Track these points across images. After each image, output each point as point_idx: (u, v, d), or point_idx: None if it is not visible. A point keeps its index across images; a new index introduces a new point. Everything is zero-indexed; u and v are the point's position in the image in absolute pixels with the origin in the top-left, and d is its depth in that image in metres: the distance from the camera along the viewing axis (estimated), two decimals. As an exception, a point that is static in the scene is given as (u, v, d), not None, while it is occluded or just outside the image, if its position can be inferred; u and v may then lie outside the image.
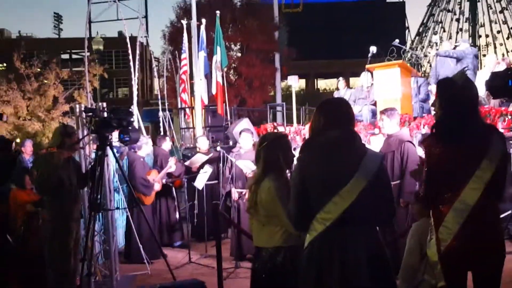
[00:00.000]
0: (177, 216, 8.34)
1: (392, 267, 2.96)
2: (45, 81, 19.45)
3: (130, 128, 5.80)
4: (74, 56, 42.59)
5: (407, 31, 36.53)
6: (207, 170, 7.67)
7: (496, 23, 31.02)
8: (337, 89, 11.49)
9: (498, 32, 30.65)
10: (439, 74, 9.59)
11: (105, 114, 5.79)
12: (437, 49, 10.23)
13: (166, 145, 8.66)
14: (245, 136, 7.52)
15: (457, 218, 2.91)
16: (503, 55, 24.40)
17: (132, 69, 10.34)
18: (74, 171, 5.41)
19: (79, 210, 5.52)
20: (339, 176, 2.86)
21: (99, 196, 5.37)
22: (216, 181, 8.34)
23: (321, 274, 2.85)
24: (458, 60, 9.58)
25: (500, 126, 7.71)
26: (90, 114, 5.64)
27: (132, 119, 5.99)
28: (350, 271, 2.79)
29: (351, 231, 2.85)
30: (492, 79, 4.48)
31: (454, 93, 3.07)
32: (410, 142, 5.97)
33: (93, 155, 6.10)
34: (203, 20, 12.34)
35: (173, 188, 8.24)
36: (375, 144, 6.45)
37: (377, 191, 2.87)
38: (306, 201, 2.94)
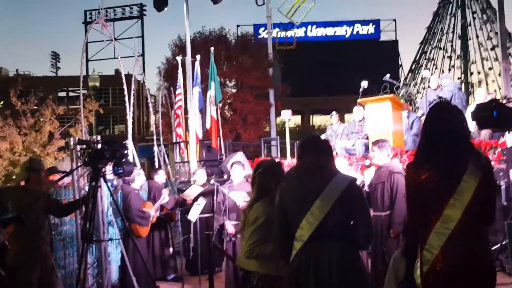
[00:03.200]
0: (171, 249, 8.32)
1: (368, 283, 3.11)
2: (41, 118, 19.57)
3: (124, 160, 5.86)
4: (71, 94, 42.91)
5: (400, 68, 37.08)
6: (201, 202, 7.70)
7: (487, 60, 31.48)
8: (331, 124, 11.61)
9: (490, 69, 31.07)
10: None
11: (99, 146, 5.86)
12: (428, 86, 10.42)
13: (160, 178, 8.69)
14: (236, 168, 7.58)
15: (438, 241, 2.92)
16: (494, 90, 24.71)
17: (127, 104, 10.46)
18: (44, 205, 5.37)
19: (46, 242, 5.47)
20: (309, 196, 3.11)
21: (91, 228, 5.39)
22: (211, 214, 8.35)
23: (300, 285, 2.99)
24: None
25: (490, 158, 7.81)
26: (84, 146, 5.70)
27: (126, 152, 6.06)
28: (324, 284, 2.92)
29: (326, 245, 3.05)
30: (477, 110, 4.61)
31: (432, 119, 3.15)
32: (400, 173, 6.05)
33: (87, 188, 6.15)
34: (198, 56, 12.56)
35: (167, 222, 8.24)
36: (368, 176, 6.52)
37: (348, 211, 3.11)
38: (287, 225, 3.19)
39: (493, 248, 6.63)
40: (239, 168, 7.59)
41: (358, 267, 3.08)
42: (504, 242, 6.26)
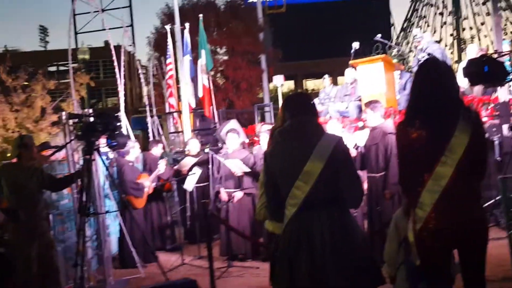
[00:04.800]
0: (169, 219, 8.38)
1: (363, 249, 3.04)
2: (32, 94, 19.38)
3: (117, 133, 5.84)
4: (61, 68, 42.45)
5: (392, 27, 36.71)
6: (196, 171, 7.72)
7: (479, 15, 31.15)
8: (324, 87, 11.55)
9: (482, 23, 30.76)
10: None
11: (92, 120, 5.82)
12: (418, 42, 10.33)
13: (157, 150, 8.69)
14: (231, 136, 7.56)
15: (430, 198, 2.93)
16: (487, 45, 24.57)
17: (118, 76, 10.37)
18: (37, 180, 5.40)
19: (42, 217, 5.50)
20: (297, 162, 3.01)
21: (88, 201, 5.40)
22: (207, 183, 8.38)
23: (292, 258, 2.97)
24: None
25: (484, 114, 7.82)
26: (76, 120, 5.67)
27: (119, 124, 6.04)
28: (316, 254, 2.92)
29: (317, 214, 2.98)
30: (468, 66, 4.58)
31: (421, 76, 3.13)
32: (394, 134, 6.05)
33: (81, 162, 6.14)
34: (187, 25, 12.39)
35: (163, 192, 8.27)
36: (359, 137, 6.52)
37: (338, 172, 3.00)
38: (276, 191, 3.11)
39: (488, 203, 6.71)
40: (235, 136, 7.59)
41: (349, 230, 3.00)
42: (498, 198, 6.32)
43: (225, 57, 22.49)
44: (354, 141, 6.56)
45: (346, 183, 3.02)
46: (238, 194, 7.31)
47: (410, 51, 25.06)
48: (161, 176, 8.05)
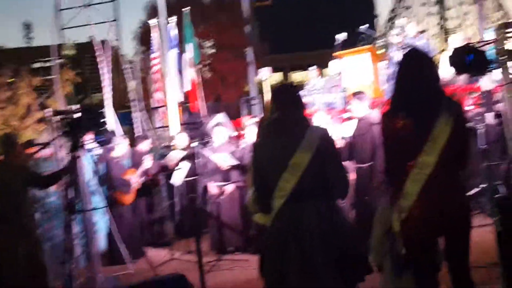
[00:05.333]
0: (157, 215, 8.36)
1: (351, 239, 3.09)
2: (18, 91, 19.20)
3: (102, 128, 5.80)
4: (46, 64, 42.03)
5: (376, 19, 36.80)
6: (183, 166, 7.69)
7: (464, 3, 31.31)
8: (311, 79, 11.54)
9: (465, 14, 30.94)
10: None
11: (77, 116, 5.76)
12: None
13: (144, 145, 8.65)
14: (218, 130, 7.55)
15: (415, 187, 2.97)
16: (472, 35, 24.70)
17: (101, 71, 10.29)
18: (23, 178, 5.35)
19: (28, 215, 5.46)
20: (284, 154, 3.06)
21: (74, 198, 5.36)
22: (195, 177, 8.36)
23: (280, 250, 2.99)
24: None
25: (469, 103, 7.86)
26: (62, 116, 5.61)
27: (104, 120, 5.98)
28: (305, 245, 2.95)
29: (305, 205, 3.02)
30: (454, 55, 4.59)
31: (403, 67, 3.15)
32: (380, 124, 6.06)
33: (67, 159, 6.09)
34: (173, 18, 12.31)
35: (151, 188, 8.25)
36: (346, 128, 6.54)
37: (325, 163, 3.05)
38: (264, 183, 3.15)
39: (473, 191, 6.76)
40: (221, 130, 7.57)
41: (336, 220, 3.04)
42: (483, 185, 6.37)
43: (212, 51, 22.44)
44: (342, 132, 6.57)
45: (332, 174, 3.07)
46: (229, 188, 7.30)
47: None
48: (148, 171, 8.01)
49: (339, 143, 6.13)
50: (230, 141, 7.97)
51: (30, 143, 7.75)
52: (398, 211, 3.04)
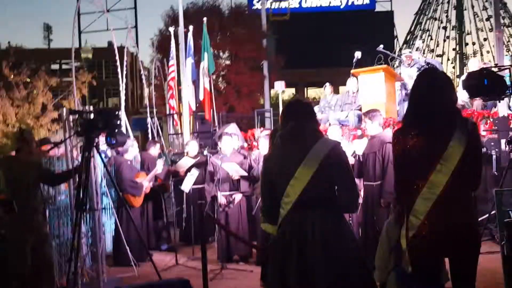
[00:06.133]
0: (165, 220, 8.40)
1: (354, 253, 3.09)
2: (34, 90, 19.42)
3: (116, 131, 5.86)
4: (64, 66, 42.46)
5: (395, 39, 36.86)
6: (194, 173, 7.74)
7: (482, 30, 31.34)
8: (325, 95, 11.58)
9: (485, 39, 30.94)
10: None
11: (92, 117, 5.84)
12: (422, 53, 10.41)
13: (154, 150, 8.74)
14: (225, 139, 7.60)
15: (424, 206, 2.96)
16: (489, 60, 24.66)
17: (119, 76, 10.41)
18: (35, 174, 5.41)
19: (38, 211, 5.49)
20: (292, 163, 3.10)
21: (85, 197, 5.42)
22: (204, 185, 8.39)
23: (283, 259, 3.02)
24: None
25: (482, 129, 7.86)
26: (76, 116, 5.69)
27: (119, 122, 6.05)
28: (307, 256, 2.98)
29: (310, 213, 3.04)
30: (468, 78, 4.62)
31: (419, 85, 3.17)
32: (391, 143, 6.07)
33: (80, 158, 6.16)
34: (191, 27, 12.45)
35: (160, 193, 8.30)
36: (357, 145, 6.54)
37: (332, 175, 3.09)
38: (272, 193, 3.20)
39: (483, 217, 6.73)
40: (228, 139, 7.63)
41: (340, 232, 3.05)
42: (493, 212, 6.35)
43: (228, 62, 22.58)
44: (353, 149, 6.59)
45: (341, 187, 3.10)
46: (238, 196, 7.34)
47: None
48: (158, 176, 8.07)
49: (350, 160, 6.14)
50: (239, 151, 8.01)
51: (45, 141, 7.86)
52: (407, 229, 3.03)
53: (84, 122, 5.53)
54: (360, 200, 6.16)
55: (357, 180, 6.07)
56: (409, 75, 9.95)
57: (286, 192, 3.08)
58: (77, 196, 5.49)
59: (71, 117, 6.21)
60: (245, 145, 9.58)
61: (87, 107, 6.39)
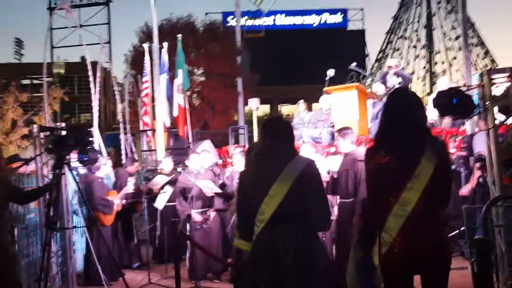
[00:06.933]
0: (135, 239, 8.31)
1: (326, 272, 3.14)
2: (4, 106, 19.11)
3: (88, 147, 5.80)
4: (35, 81, 41.92)
5: (367, 58, 37.40)
6: (167, 190, 7.69)
7: (451, 50, 31.98)
8: (298, 112, 11.66)
9: (454, 58, 31.56)
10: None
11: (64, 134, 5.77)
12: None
13: (131, 168, 8.70)
14: (193, 157, 7.68)
15: (396, 223, 3.00)
16: (457, 80, 25.20)
17: (92, 91, 10.32)
18: (4, 193, 5.28)
19: (6, 230, 5.37)
20: (267, 179, 3.14)
21: (55, 216, 5.33)
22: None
23: (255, 277, 3.04)
24: None
25: (451, 146, 8.01)
26: (47, 133, 5.61)
27: (91, 139, 5.99)
28: (278, 274, 3.01)
29: (283, 230, 3.07)
30: (438, 97, 4.72)
31: (390, 104, 3.24)
32: (363, 160, 6.13)
33: (50, 176, 6.06)
34: (165, 44, 12.45)
35: (130, 212, 8.23)
36: (332, 162, 6.60)
37: (306, 193, 3.12)
38: (247, 210, 3.22)
39: (453, 233, 6.83)
40: (196, 157, 7.70)
41: (313, 249, 3.09)
42: (462, 228, 6.45)
43: (202, 78, 22.58)
44: (327, 166, 6.64)
45: (313, 205, 3.11)
46: (213, 214, 7.33)
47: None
48: (128, 196, 7.99)
49: (324, 177, 6.18)
50: (211, 169, 7.99)
51: (14, 158, 7.71)
52: (379, 246, 3.07)
53: (55, 139, 5.45)
54: (334, 217, 6.20)
55: (330, 197, 6.12)
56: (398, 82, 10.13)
57: (260, 209, 3.11)
58: (47, 214, 5.40)
59: (41, 134, 6.12)
60: (219, 162, 9.57)
61: (58, 123, 6.30)
